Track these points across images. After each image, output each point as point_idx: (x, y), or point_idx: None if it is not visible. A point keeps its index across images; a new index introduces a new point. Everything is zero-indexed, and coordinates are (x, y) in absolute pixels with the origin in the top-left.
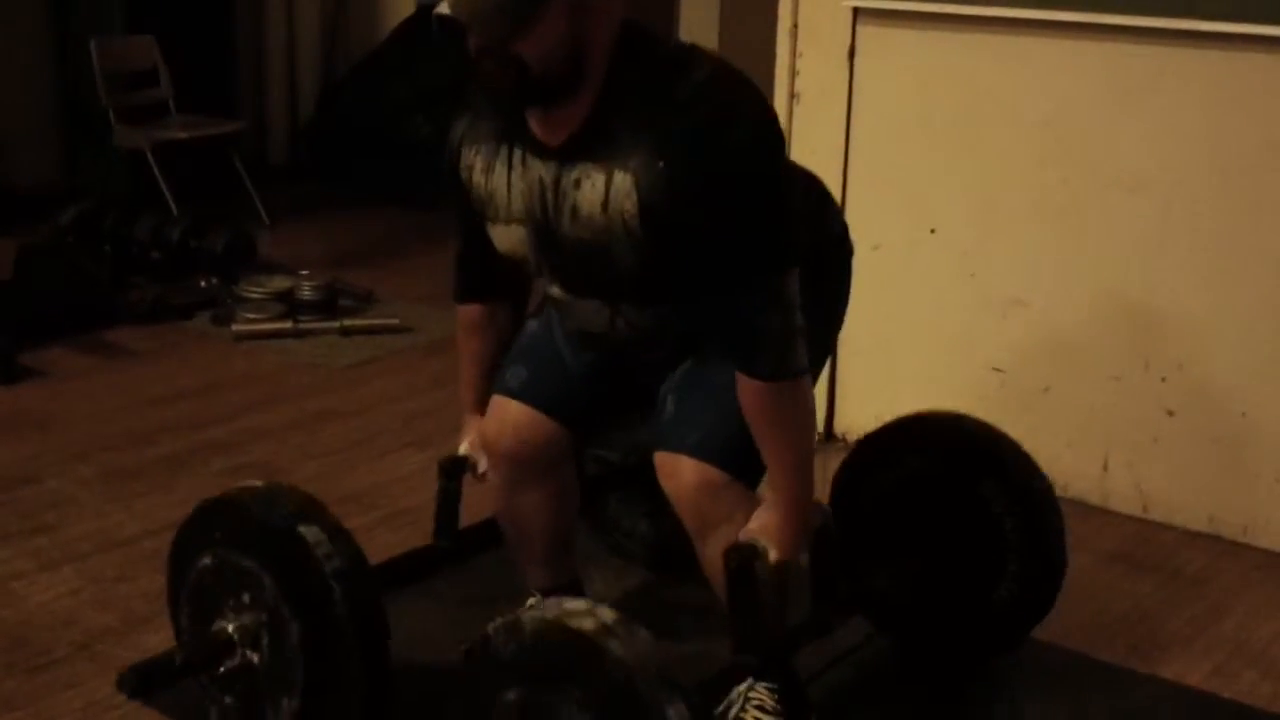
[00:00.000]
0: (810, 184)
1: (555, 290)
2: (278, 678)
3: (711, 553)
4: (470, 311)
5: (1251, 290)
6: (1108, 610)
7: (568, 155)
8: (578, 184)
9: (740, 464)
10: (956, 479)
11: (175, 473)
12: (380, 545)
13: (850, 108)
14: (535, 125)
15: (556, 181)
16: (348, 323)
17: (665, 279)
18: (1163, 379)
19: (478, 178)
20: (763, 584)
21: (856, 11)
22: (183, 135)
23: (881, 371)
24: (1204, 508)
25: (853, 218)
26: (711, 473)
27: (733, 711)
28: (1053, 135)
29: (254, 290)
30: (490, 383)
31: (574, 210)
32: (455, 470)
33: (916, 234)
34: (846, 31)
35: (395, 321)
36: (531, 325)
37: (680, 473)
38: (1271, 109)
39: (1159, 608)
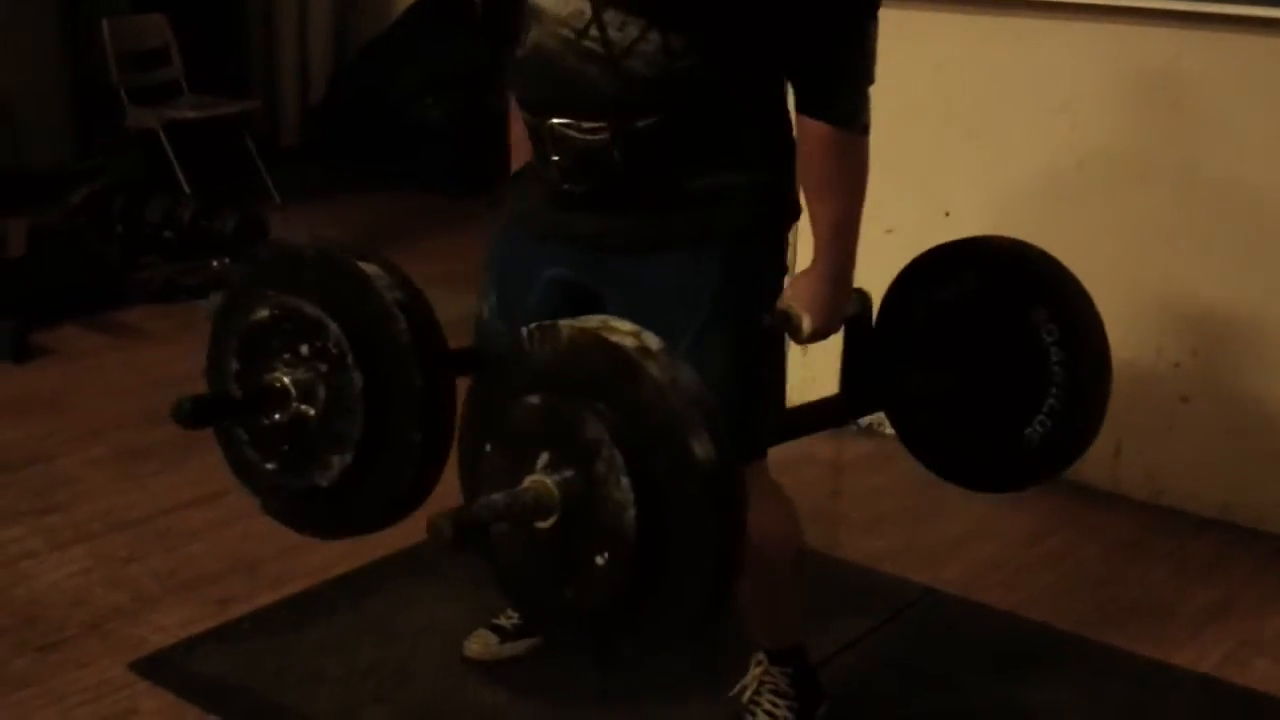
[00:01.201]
0: None
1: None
2: (332, 431)
3: None
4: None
5: (1267, 276)
6: (1119, 597)
7: None
8: None
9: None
10: (1010, 302)
11: (186, 452)
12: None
13: None
14: None
15: None
16: None
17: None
18: (1176, 365)
19: None
20: (793, 337)
21: None
22: (194, 115)
23: None
24: (1217, 495)
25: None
26: None
27: (747, 694)
28: (1068, 119)
29: None
30: None
31: None
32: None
33: (930, 217)
34: None
35: None
36: (498, 242)
37: None
38: None
39: (1171, 595)
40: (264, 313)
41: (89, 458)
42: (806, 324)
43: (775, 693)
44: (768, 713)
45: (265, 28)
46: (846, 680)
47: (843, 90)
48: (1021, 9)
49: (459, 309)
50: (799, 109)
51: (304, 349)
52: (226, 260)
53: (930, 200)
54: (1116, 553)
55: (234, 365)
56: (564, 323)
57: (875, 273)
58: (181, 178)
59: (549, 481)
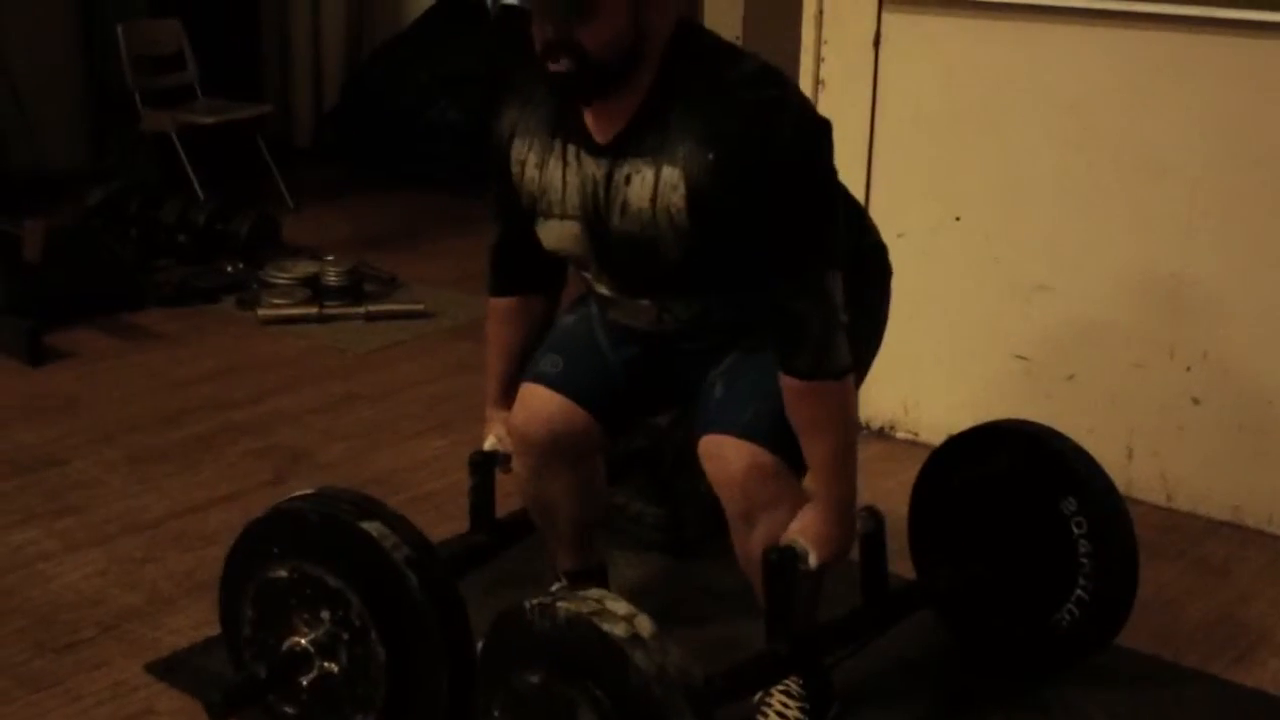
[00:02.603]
0: (846, 196)
1: (603, 289)
2: (356, 693)
3: (752, 539)
4: (504, 303)
5: (1278, 277)
6: None
7: (619, 151)
8: (628, 180)
9: (789, 450)
10: (1040, 493)
11: (201, 455)
12: None
13: (875, 95)
14: (589, 119)
15: (608, 178)
16: (372, 308)
17: (710, 272)
18: (1188, 367)
19: (530, 172)
20: (800, 583)
21: None
22: (208, 119)
23: (906, 358)
24: (1229, 497)
25: (877, 205)
26: (761, 455)
27: (758, 695)
28: (1078, 121)
29: (279, 276)
30: (516, 377)
31: (624, 206)
32: (485, 465)
33: (941, 221)
34: (871, 18)
35: (419, 306)
36: (567, 319)
37: (727, 455)
38: None
39: (1182, 596)
40: (282, 573)
41: (104, 460)
42: (813, 559)
43: (786, 694)
44: (779, 714)
45: (279, 32)
46: (858, 683)
47: (807, 344)
48: (1031, 13)
49: (474, 311)
50: (775, 360)
51: (324, 614)
52: (240, 264)
53: (941, 204)
54: None
55: (249, 613)
56: (561, 603)
57: None
58: (195, 181)
59: None
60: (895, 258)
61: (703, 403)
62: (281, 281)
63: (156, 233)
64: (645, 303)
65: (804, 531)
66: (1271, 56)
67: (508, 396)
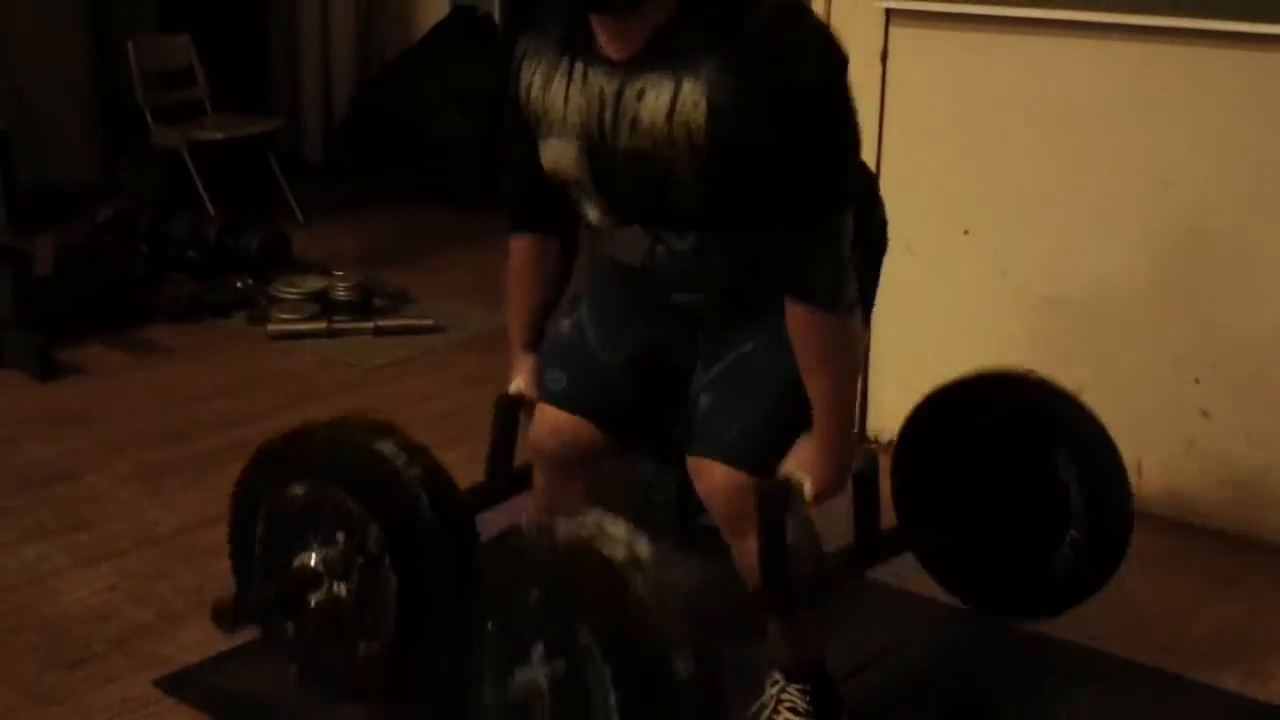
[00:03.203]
0: (864, 169)
1: (595, 215)
2: (363, 621)
3: (745, 550)
4: (522, 246)
5: None
6: (1141, 612)
7: (633, 68)
8: (641, 95)
9: (773, 466)
10: (1029, 439)
11: (211, 470)
12: None
13: (883, 109)
14: (603, 36)
15: (618, 94)
16: (382, 323)
17: (721, 200)
18: (1197, 380)
19: (535, 93)
20: (797, 520)
21: (889, 13)
22: (218, 134)
23: (914, 372)
24: (1238, 510)
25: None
26: (742, 478)
27: (765, 714)
28: (1086, 135)
29: (289, 291)
30: (539, 321)
31: (634, 122)
32: (511, 408)
33: (949, 235)
34: (879, 33)
35: (429, 321)
36: (563, 325)
37: (713, 476)
38: None
39: (1192, 609)
40: (299, 491)
41: (114, 475)
42: (809, 490)
43: (793, 711)
44: None
45: (289, 47)
46: (867, 697)
47: (818, 275)
48: (1038, 28)
49: (483, 325)
50: (784, 293)
51: (339, 536)
52: (250, 279)
53: (949, 218)
54: (1138, 568)
55: (260, 531)
56: (561, 524)
57: (896, 291)
58: (205, 196)
59: (541, 680)
60: (904, 271)
61: (690, 415)
62: (291, 296)
63: (166, 248)
64: (638, 231)
65: (801, 465)
66: (1277, 68)
67: (533, 341)
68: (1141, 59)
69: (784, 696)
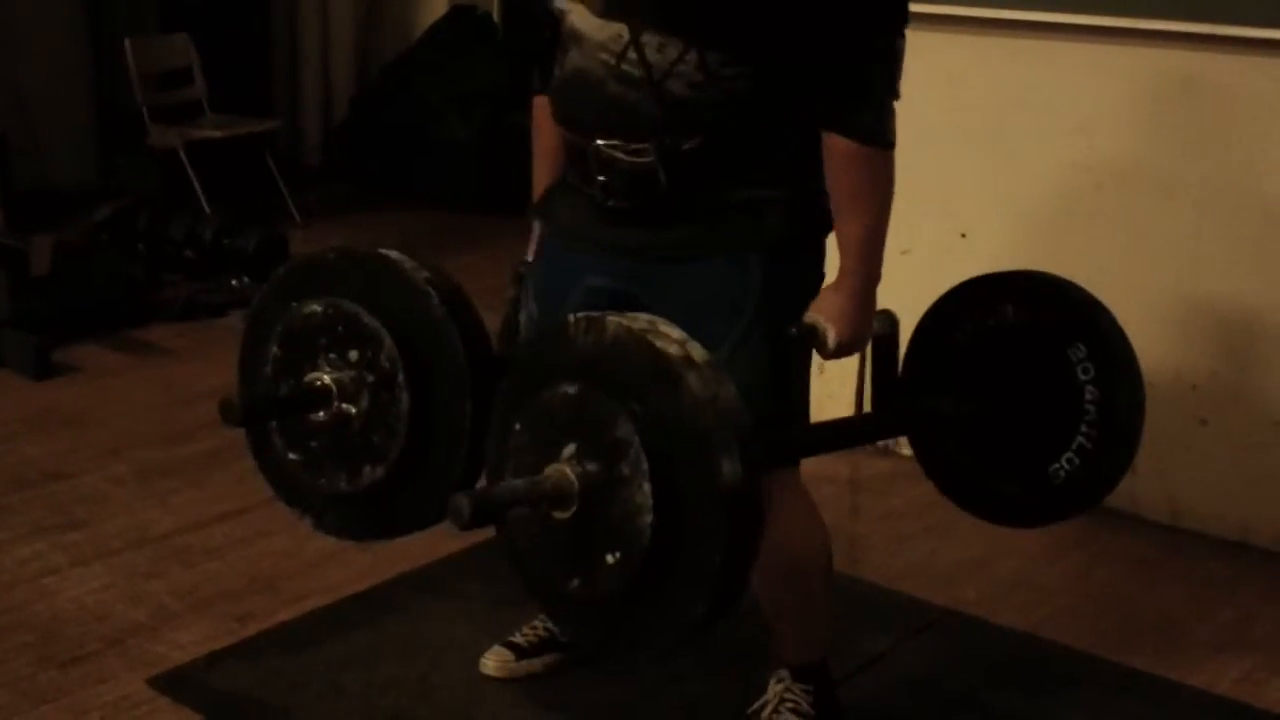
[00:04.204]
0: None
1: (579, 17)
2: (370, 442)
3: None
4: (543, 102)
5: None
6: (1136, 617)
7: None
8: None
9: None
10: (1048, 336)
11: (207, 470)
12: (409, 539)
13: None
14: None
15: None
16: None
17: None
18: (1194, 387)
19: None
20: (819, 351)
21: None
22: (216, 134)
23: None
24: (1235, 516)
25: None
26: None
27: (766, 711)
28: (1086, 140)
29: None
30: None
31: None
32: (529, 277)
33: (947, 239)
34: None
35: None
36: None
37: None
38: None
39: (1188, 615)
40: (315, 308)
41: (110, 475)
42: (832, 338)
43: (796, 711)
44: None
45: (288, 47)
46: (865, 700)
47: (867, 106)
48: (1039, 30)
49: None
50: (824, 124)
51: (352, 354)
52: (247, 279)
53: (947, 221)
54: (1134, 574)
55: (274, 351)
56: (612, 318)
57: (892, 292)
58: (203, 197)
59: (571, 474)
60: (901, 275)
61: None
62: None
63: (164, 248)
64: (618, 29)
65: (824, 311)
66: (1277, 73)
67: None
68: (1142, 63)
69: (787, 696)
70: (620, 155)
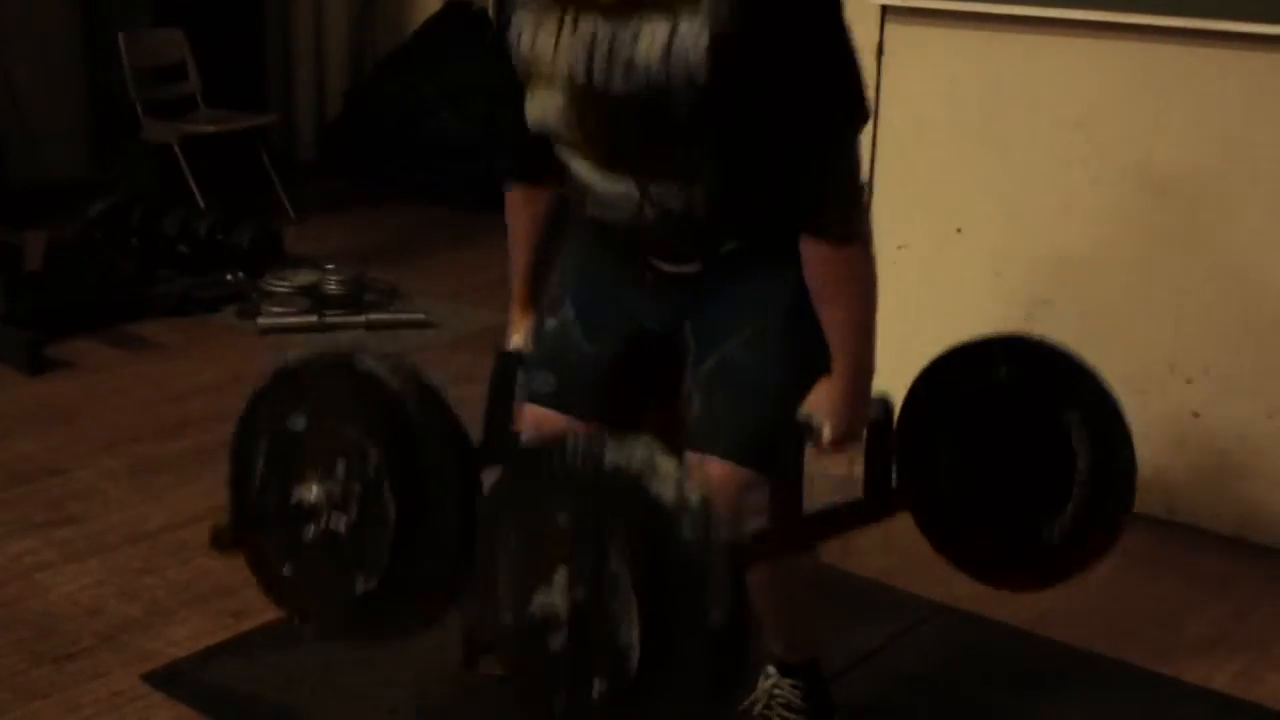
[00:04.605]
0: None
1: (584, 169)
2: (360, 553)
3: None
4: (516, 196)
5: None
6: (1131, 612)
7: (626, 10)
8: (636, 37)
9: (770, 458)
10: (1041, 403)
11: (201, 465)
12: None
13: (878, 107)
14: None
15: (612, 38)
16: (373, 317)
17: (721, 139)
18: (1189, 381)
19: (525, 41)
20: (815, 445)
21: (885, 10)
22: (210, 129)
23: (907, 371)
24: (1229, 511)
25: (879, 216)
26: (742, 474)
27: (758, 708)
28: (1082, 135)
29: (280, 284)
30: (538, 273)
31: (628, 65)
32: (509, 365)
33: (943, 233)
34: (874, 30)
35: (421, 317)
36: (549, 325)
37: (712, 475)
38: None
39: (1183, 610)
40: (299, 420)
41: (104, 470)
42: (828, 432)
43: (786, 706)
44: None
45: (282, 42)
46: (858, 695)
47: (831, 207)
48: (1035, 26)
49: (474, 322)
50: (798, 226)
51: (339, 466)
52: (241, 274)
53: (943, 216)
54: (1128, 569)
55: (261, 467)
56: (610, 447)
57: (890, 287)
58: (197, 192)
59: (561, 603)
60: (897, 271)
61: (684, 412)
62: (282, 290)
63: (158, 243)
64: (628, 184)
65: (819, 405)
66: (1273, 69)
67: (532, 293)
68: (1138, 58)
69: (777, 691)
70: (666, 267)
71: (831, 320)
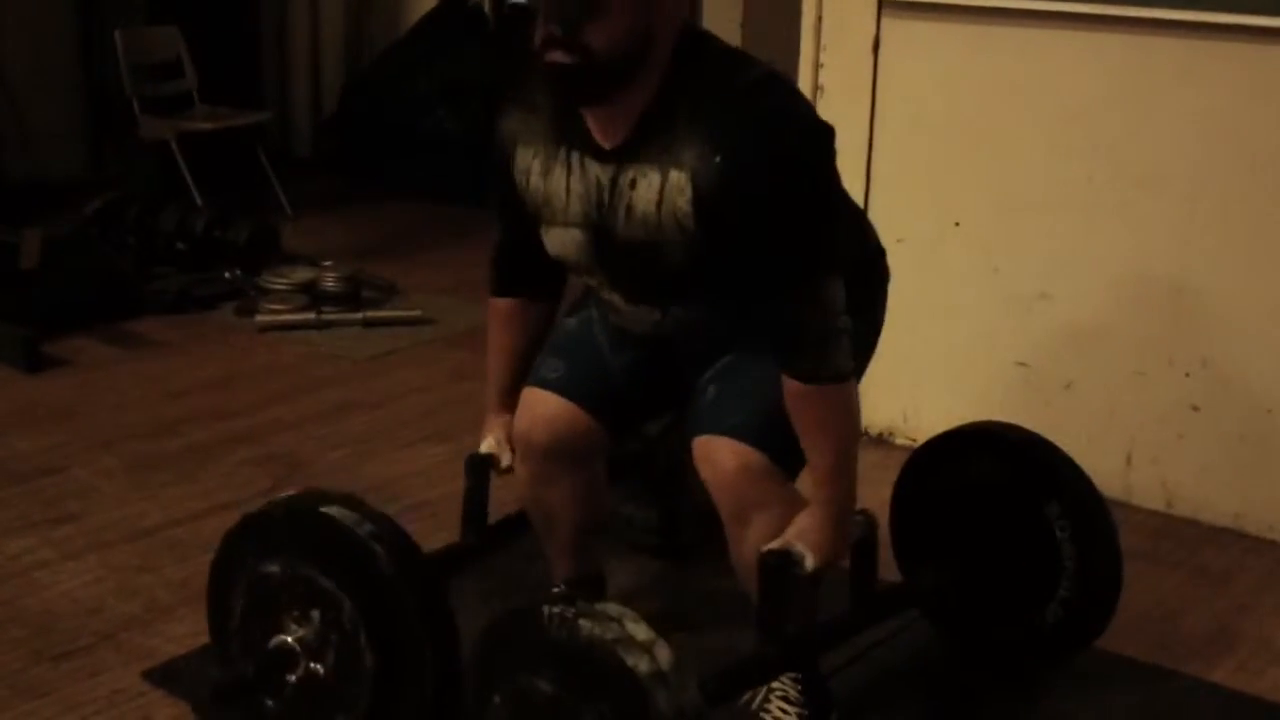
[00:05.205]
0: (847, 200)
1: (605, 294)
2: (342, 695)
3: (746, 541)
4: (504, 305)
5: (1277, 286)
6: (1131, 606)
7: (625, 156)
8: (634, 184)
9: (780, 449)
10: (1023, 496)
11: (199, 463)
12: None
13: (874, 101)
14: (592, 123)
15: (613, 182)
16: (370, 314)
17: (713, 278)
18: (1187, 374)
19: (535, 181)
20: (796, 587)
21: (881, 4)
22: (207, 126)
23: (905, 365)
24: (1229, 504)
25: (876, 211)
26: (751, 455)
27: (756, 701)
28: (1079, 129)
29: (277, 281)
30: (517, 382)
31: (629, 210)
32: (480, 468)
33: (940, 228)
34: (871, 24)
35: (418, 313)
36: (569, 322)
37: (718, 456)
38: None
39: (1183, 604)
40: (273, 569)
41: (101, 468)
42: (810, 563)
43: (784, 699)
44: None
45: (278, 40)
46: (858, 690)
47: (806, 348)
48: (1031, 20)
49: (472, 319)
50: (776, 364)
51: (314, 614)
52: (238, 271)
53: (940, 210)
54: (1128, 562)
55: (238, 616)
56: (584, 620)
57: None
58: (194, 189)
59: None
60: (894, 264)
61: (695, 405)
62: (279, 287)
63: (155, 241)
64: (647, 307)
65: (802, 535)
66: (1270, 62)
67: (507, 400)
68: (1135, 51)
69: (775, 685)
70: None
71: (814, 456)
